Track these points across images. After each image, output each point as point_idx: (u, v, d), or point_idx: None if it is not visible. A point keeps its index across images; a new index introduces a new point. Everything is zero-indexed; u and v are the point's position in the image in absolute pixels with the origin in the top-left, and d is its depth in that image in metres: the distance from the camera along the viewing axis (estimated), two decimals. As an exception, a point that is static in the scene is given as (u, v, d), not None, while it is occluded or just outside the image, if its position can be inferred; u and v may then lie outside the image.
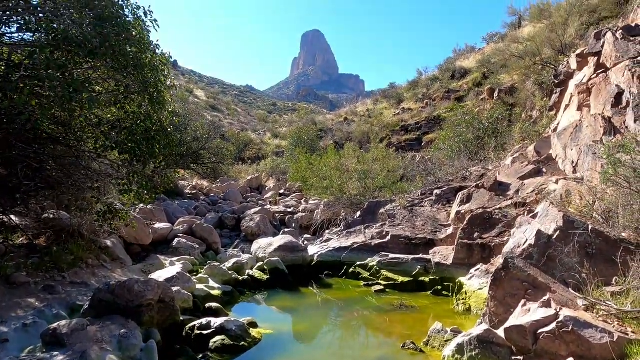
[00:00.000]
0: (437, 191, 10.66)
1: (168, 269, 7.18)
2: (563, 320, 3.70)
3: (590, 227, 4.45)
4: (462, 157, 12.63)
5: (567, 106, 11.23)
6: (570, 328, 3.63)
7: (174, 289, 6.16)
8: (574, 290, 4.25)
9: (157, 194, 7.02)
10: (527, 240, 4.74)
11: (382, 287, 8.45)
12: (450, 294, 8.01)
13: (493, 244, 7.92)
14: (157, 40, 6.07)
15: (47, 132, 6.22)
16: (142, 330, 4.79)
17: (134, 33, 5.08)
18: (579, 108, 10.14)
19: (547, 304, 4.06)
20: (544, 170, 9.02)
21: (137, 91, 5.97)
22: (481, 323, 4.77)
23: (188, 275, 7.07)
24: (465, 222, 8.48)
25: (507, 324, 4.04)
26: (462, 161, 12.07)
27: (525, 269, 4.44)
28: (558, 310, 3.90)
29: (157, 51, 6.16)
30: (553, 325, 3.76)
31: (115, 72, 5.39)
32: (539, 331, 3.82)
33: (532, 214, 5.45)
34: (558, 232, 4.56)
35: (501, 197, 8.95)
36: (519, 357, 3.89)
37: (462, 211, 9.13)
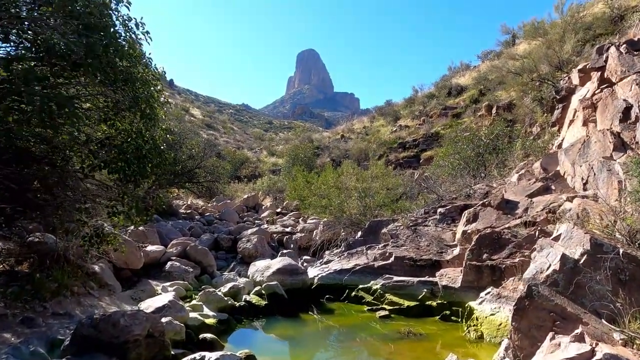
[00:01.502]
0: (441, 210, 10.28)
1: (159, 297, 6.69)
2: (602, 358, 3.28)
3: (621, 251, 4.07)
4: (464, 174, 12.30)
5: (571, 122, 11.00)
6: (611, 368, 3.22)
7: (165, 319, 5.68)
8: (607, 321, 3.85)
9: (149, 217, 6.58)
10: (550, 265, 4.35)
11: (387, 312, 7.97)
12: (459, 320, 7.55)
13: (504, 265, 7.51)
14: (150, 54, 5.74)
15: (30, 151, 5.83)
16: (128, 369, 4.32)
17: (123, 44, 4.74)
18: (585, 123, 9.89)
19: (580, 338, 3.64)
20: (553, 187, 8.70)
21: (127, 107, 5.61)
22: (504, 358, 4.34)
23: (181, 303, 6.58)
24: (472, 243, 8.08)
25: (537, 361, 3.61)
26: (465, 178, 11.73)
27: (552, 297, 4.04)
28: (594, 345, 3.49)
29: (150, 65, 5.83)
30: (590, 364, 3.34)
31: (104, 87, 5.03)
32: (574, 371, 3.40)
33: (553, 236, 5.07)
34: (585, 257, 4.18)
35: (509, 215, 8.58)
36: (552, 400, 3.45)
37: (469, 231, 8.75)
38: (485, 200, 9.20)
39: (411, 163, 23.50)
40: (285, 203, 20.26)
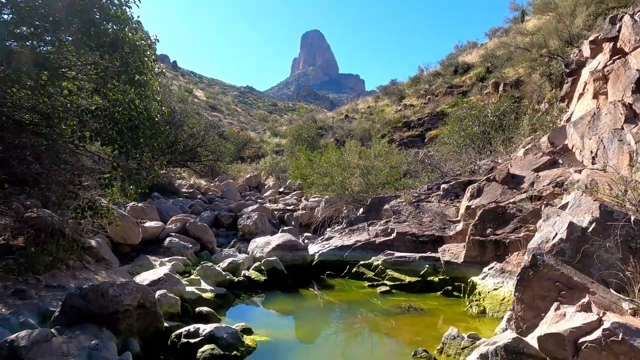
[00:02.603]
0: (444, 185, 10.06)
1: (154, 271, 6.59)
2: (610, 327, 3.10)
3: (632, 218, 3.85)
4: (469, 150, 12.02)
5: (581, 95, 10.64)
6: (620, 337, 3.04)
7: (160, 292, 5.58)
8: (616, 291, 3.66)
9: (143, 189, 6.42)
10: (556, 234, 4.14)
11: (387, 288, 7.85)
12: (461, 295, 7.42)
13: (508, 240, 7.32)
14: (139, 16, 5.48)
15: (19, 120, 5.65)
16: (118, 340, 4.21)
17: (107, 3, 4.48)
18: (595, 96, 9.55)
19: (586, 308, 3.46)
20: (560, 161, 8.42)
21: (116, 74, 5.38)
22: (506, 329, 4.18)
23: (177, 277, 6.47)
24: (476, 218, 7.88)
25: (541, 332, 3.44)
26: (470, 154, 11.46)
27: (558, 267, 3.84)
28: (601, 315, 3.31)
29: (139, 30, 5.56)
30: (598, 334, 3.17)
31: (90, 50, 4.80)
32: (581, 340, 3.23)
33: (560, 205, 4.85)
34: (594, 224, 3.97)
35: (514, 190, 8.35)
36: (555, 371, 3.29)
37: (473, 206, 8.54)
38: (490, 175, 8.95)
39: (416, 142, 23.14)
40: (287, 182, 20.09)
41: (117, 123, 5.84)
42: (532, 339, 3.58)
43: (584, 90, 10.54)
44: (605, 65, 9.39)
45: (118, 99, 5.99)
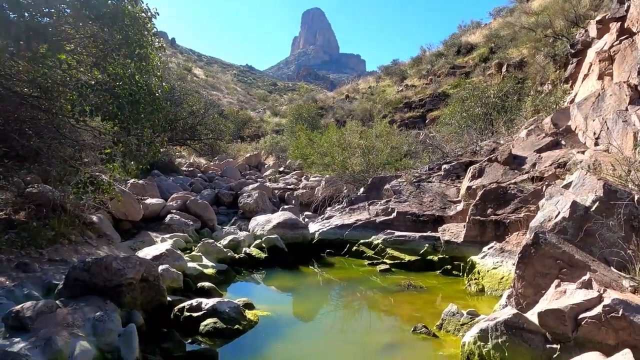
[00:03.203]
0: (445, 166, 10.04)
1: (156, 246, 6.63)
2: (611, 303, 3.13)
3: (636, 197, 3.85)
4: (471, 131, 11.96)
5: (585, 76, 10.52)
6: (620, 313, 3.07)
7: (162, 267, 5.62)
8: (617, 269, 3.68)
9: (144, 165, 6.39)
10: (559, 212, 4.15)
11: (387, 267, 7.92)
12: (460, 274, 7.50)
13: (508, 220, 7.35)
14: (139, -13, 5.34)
15: (18, 93, 5.57)
16: (122, 313, 4.25)
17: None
18: (600, 77, 9.44)
19: (587, 285, 3.49)
20: (563, 142, 8.39)
21: (117, 47, 5.29)
22: (506, 305, 4.23)
23: (178, 252, 6.51)
24: (477, 198, 7.89)
25: (541, 308, 3.48)
26: (472, 135, 11.40)
27: (560, 245, 3.86)
28: (602, 292, 3.34)
29: (140, 2, 5.44)
30: (598, 310, 3.20)
31: (88, 21, 4.70)
32: (581, 316, 3.27)
33: (563, 184, 4.84)
34: (597, 204, 3.97)
35: (516, 171, 8.33)
36: (554, 346, 3.34)
37: (474, 186, 8.54)
38: (491, 156, 8.93)
39: (417, 123, 22.99)
40: (287, 162, 20.06)
41: (118, 98, 5.76)
42: (532, 315, 3.63)
43: (589, 71, 10.41)
44: (612, 46, 9.25)
45: (118, 74, 5.89)
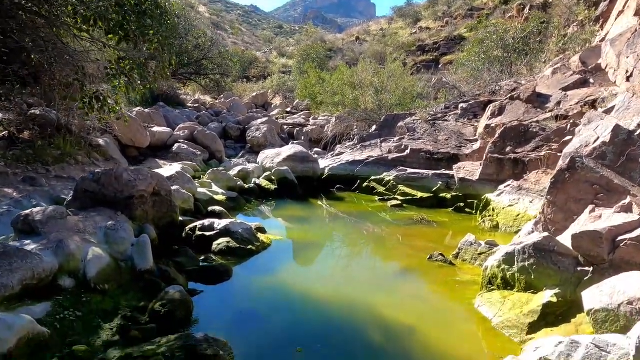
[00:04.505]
0: (463, 105, 9.65)
1: (166, 168, 6.47)
2: (655, 225, 2.95)
3: (687, 120, 3.57)
4: (492, 69, 11.40)
5: (620, 12, 9.81)
6: (664, 234, 2.89)
7: (174, 187, 5.45)
8: (658, 195, 3.47)
9: (152, 84, 6.05)
10: (598, 137, 3.88)
11: (399, 202, 7.79)
12: (473, 212, 7.36)
13: (527, 159, 7.10)
14: None
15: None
16: (134, 226, 4.12)
17: None
18: (637, 13, 8.77)
19: (627, 209, 3.30)
20: (592, 80, 7.94)
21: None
22: (532, 232, 4.07)
23: (189, 175, 6.34)
24: (496, 136, 7.60)
25: (575, 230, 3.30)
26: (492, 74, 10.87)
27: (597, 169, 3.63)
28: (643, 215, 3.14)
29: None
30: (638, 232, 3.02)
31: None
32: (619, 238, 3.09)
33: (604, 109, 4.53)
34: (643, 127, 3.69)
35: (539, 109, 7.96)
36: (586, 268, 3.20)
37: (493, 125, 8.21)
38: (513, 94, 8.52)
39: (430, 67, 22.17)
40: (295, 102, 19.53)
41: (123, 6, 5.34)
42: (563, 239, 3.47)
43: (624, 7, 9.70)
44: (653, -21, 8.53)
45: (123, -20, 5.42)
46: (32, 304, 2.77)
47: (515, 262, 3.54)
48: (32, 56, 5.98)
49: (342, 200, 8.16)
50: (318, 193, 8.45)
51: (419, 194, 7.95)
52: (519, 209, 6.50)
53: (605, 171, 3.63)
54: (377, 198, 8.22)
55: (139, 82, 6.10)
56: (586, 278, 3.16)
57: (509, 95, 8.71)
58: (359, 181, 8.82)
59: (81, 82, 5.71)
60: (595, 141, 3.89)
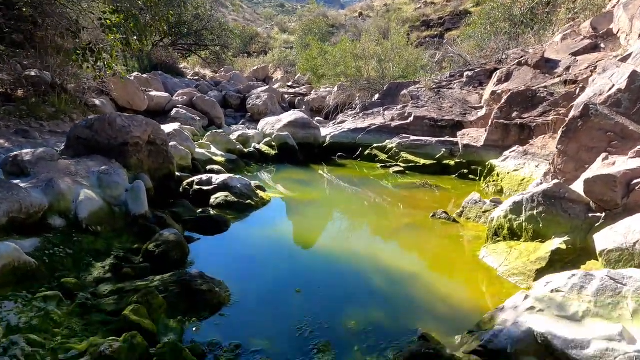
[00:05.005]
0: (468, 73, 9.40)
1: (164, 126, 6.26)
2: (673, 166, 2.80)
3: None
4: (499, 38, 11.09)
5: (634, -22, 9.50)
6: (682, 175, 2.75)
7: (171, 143, 5.30)
8: (675, 141, 3.32)
9: (148, 38, 5.83)
10: (613, 85, 3.71)
11: (401, 169, 7.65)
12: (477, 178, 7.22)
13: (534, 124, 6.92)
14: None
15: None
16: (129, 175, 3.98)
17: None
18: (652, -23, 8.48)
19: (642, 154, 3.14)
20: (602, 45, 7.70)
21: None
22: (541, 183, 3.94)
23: (187, 134, 6.18)
24: (503, 101, 7.40)
25: (588, 175, 3.16)
26: (499, 41, 10.57)
27: (612, 116, 3.47)
28: (660, 158, 2.99)
29: None
30: (655, 174, 2.88)
31: None
32: (635, 182, 2.95)
33: (620, 58, 4.34)
34: (662, 72, 3.52)
35: (547, 75, 7.74)
36: (598, 214, 3.07)
37: (499, 91, 7.99)
38: (521, 59, 8.28)
39: (434, 43, 21.73)
40: (296, 77, 19.20)
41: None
42: (576, 186, 3.33)
43: (638, -28, 9.37)
44: (671, -60, 8.19)
45: None
46: (20, 238, 2.66)
47: (523, 211, 3.41)
48: (24, 10, 5.78)
49: (344, 167, 8.01)
50: (319, 160, 8.29)
51: (422, 161, 7.80)
52: (525, 173, 6.35)
53: (620, 118, 3.47)
54: (379, 165, 8.07)
55: (135, 37, 5.88)
56: (597, 224, 3.04)
57: (517, 60, 8.46)
58: (360, 149, 8.65)
59: (74, 33, 5.50)
60: (610, 89, 3.72)
